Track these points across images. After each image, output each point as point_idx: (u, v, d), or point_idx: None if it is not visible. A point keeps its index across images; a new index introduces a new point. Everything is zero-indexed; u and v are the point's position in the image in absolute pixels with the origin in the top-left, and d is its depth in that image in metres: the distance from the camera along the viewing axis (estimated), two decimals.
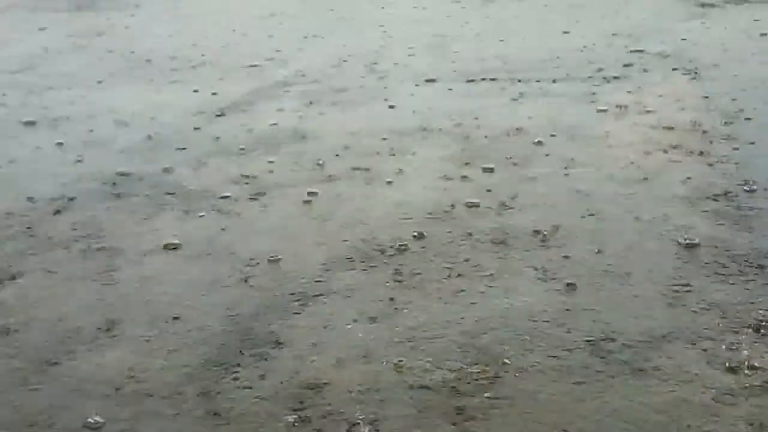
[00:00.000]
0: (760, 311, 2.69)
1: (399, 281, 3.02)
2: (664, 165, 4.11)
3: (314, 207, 3.80)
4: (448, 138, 4.72)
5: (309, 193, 3.93)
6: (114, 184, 4.20)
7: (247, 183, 4.13)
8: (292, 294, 2.96)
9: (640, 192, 3.77)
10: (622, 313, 2.71)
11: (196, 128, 5.15)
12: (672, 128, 4.68)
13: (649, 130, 4.67)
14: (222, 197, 3.95)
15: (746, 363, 2.40)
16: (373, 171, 4.23)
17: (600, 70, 6.16)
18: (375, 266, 3.15)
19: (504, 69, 6.37)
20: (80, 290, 3.07)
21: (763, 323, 2.62)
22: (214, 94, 5.97)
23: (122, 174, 4.33)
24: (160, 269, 3.22)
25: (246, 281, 3.08)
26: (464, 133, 4.79)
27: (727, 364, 2.40)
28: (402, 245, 3.31)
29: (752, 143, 4.35)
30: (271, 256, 3.27)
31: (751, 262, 3.03)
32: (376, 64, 6.73)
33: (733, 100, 5.15)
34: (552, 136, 4.67)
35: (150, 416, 2.30)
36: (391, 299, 2.89)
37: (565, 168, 4.14)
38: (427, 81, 6.05)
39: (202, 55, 7.44)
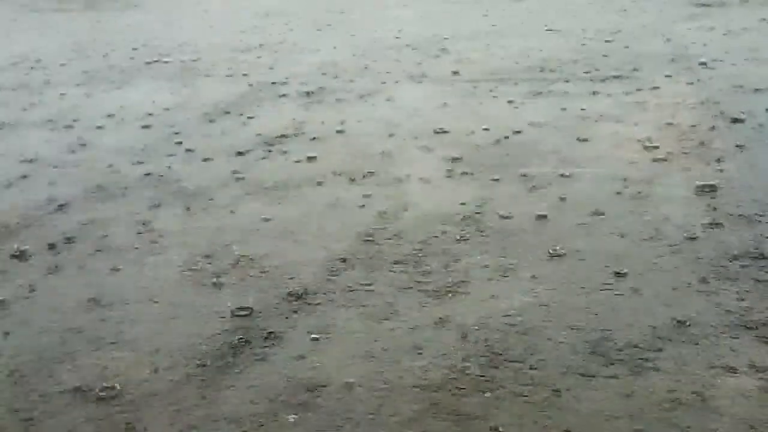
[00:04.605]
0: (760, 311, 2.69)
1: (400, 280, 3.02)
2: (665, 165, 4.11)
3: (315, 205, 3.81)
4: (448, 139, 4.73)
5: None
6: (113, 185, 4.22)
7: (242, 179, 4.14)
8: (291, 293, 2.96)
9: (640, 192, 3.77)
10: (622, 313, 2.71)
11: (194, 127, 5.16)
12: (672, 127, 4.68)
13: (649, 129, 4.67)
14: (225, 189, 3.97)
15: (746, 363, 2.40)
16: (375, 174, 4.24)
17: (600, 69, 6.16)
18: (375, 265, 3.15)
19: (502, 70, 6.37)
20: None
21: (763, 323, 2.61)
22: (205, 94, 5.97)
23: (124, 175, 4.34)
24: (158, 268, 3.22)
25: (246, 280, 3.08)
26: (463, 134, 4.79)
27: (727, 364, 2.40)
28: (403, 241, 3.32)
29: (752, 142, 4.35)
30: (271, 254, 3.28)
31: (751, 262, 3.03)
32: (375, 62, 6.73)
33: (734, 100, 5.15)
34: (551, 135, 4.67)
35: (150, 416, 2.30)
36: (392, 298, 2.89)
37: (565, 167, 4.14)
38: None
39: (200, 55, 7.45)
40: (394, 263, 3.16)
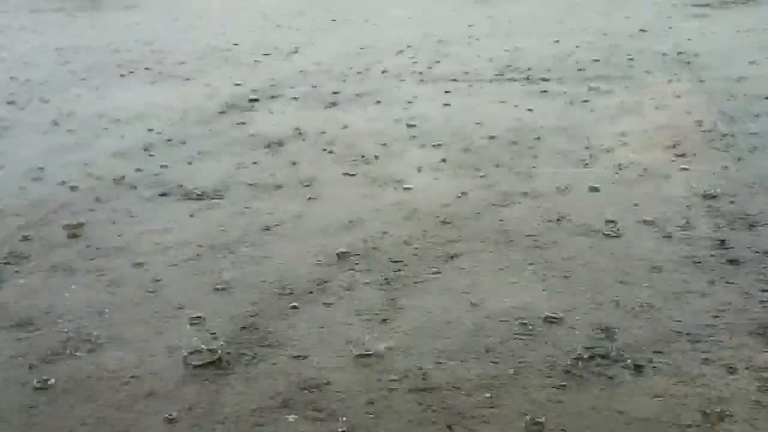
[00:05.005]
0: (760, 311, 2.69)
1: (400, 280, 3.02)
2: (665, 164, 4.11)
3: (315, 205, 3.81)
4: (448, 138, 4.73)
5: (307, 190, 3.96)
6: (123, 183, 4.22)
7: (242, 179, 4.15)
8: (292, 292, 2.96)
9: (640, 191, 3.77)
10: (622, 313, 2.71)
11: (194, 127, 5.17)
12: (673, 128, 4.68)
13: (649, 130, 4.67)
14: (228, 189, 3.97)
15: (746, 363, 2.40)
16: (373, 174, 4.24)
17: (600, 70, 6.16)
18: (374, 265, 3.15)
19: (503, 70, 6.37)
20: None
21: (763, 323, 2.61)
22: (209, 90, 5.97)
23: (123, 175, 4.35)
24: (160, 268, 3.22)
25: (247, 280, 3.08)
26: (463, 132, 4.79)
27: (727, 364, 2.40)
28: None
29: (752, 143, 4.35)
30: (272, 254, 3.28)
31: (751, 262, 3.03)
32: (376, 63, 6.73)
33: (733, 99, 5.15)
34: (550, 135, 4.67)
35: (150, 416, 2.30)
36: (390, 297, 2.89)
37: (564, 167, 4.14)
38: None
39: (200, 55, 7.45)
40: (393, 262, 3.16)
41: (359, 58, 7.03)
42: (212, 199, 3.96)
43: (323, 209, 3.77)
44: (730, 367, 2.38)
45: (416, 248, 3.29)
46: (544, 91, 5.62)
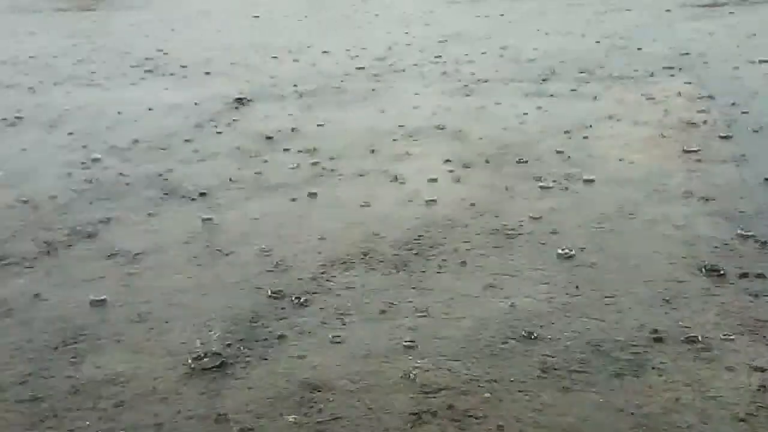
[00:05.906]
0: (759, 311, 2.69)
1: (401, 280, 3.02)
2: (664, 164, 4.11)
3: (315, 205, 3.82)
4: (447, 138, 4.73)
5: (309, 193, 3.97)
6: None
7: (242, 178, 4.15)
8: (291, 292, 2.96)
9: (639, 191, 3.77)
10: (623, 313, 2.71)
11: (194, 127, 5.17)
12: (672, 128, 4.68)
13: (649, 130, 4.67)
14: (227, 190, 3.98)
15: (746, 363, 2.40)
16: (372, 172, 4.24)
17: (600, 70, 6.17)
18: (374, 266, 3.15)
19: (502, 70, 6.37)
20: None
21: (762, 323, 2.61)
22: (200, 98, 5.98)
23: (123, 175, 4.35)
24: (160, 267, 3.22)
25: (247, 279, 3.08)
26: (461, 134, 4.80)
27: (726, 364, 2.40)
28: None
29: (752, 143, 4.35)
30: (271, 253, 3.28)
31: (751, 262, 3.03)
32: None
33: (733, 100, 5.15)
34: (551, 135, 4.67)
35: (150, 416, 2.30)
36: (391, 297, 2.89)
37: (566, 168, 4.14)
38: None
39: (200, 55, 7.46)
40: (393, 266, 3.16)
41: (360, 57, 7.04)
42: (213, 196, 3.96)
43: (324, 208, 3.77)
44: (730, 367, 2.38)
45: (417, 250, 3.29)
46: (544, 92, 5.62)
